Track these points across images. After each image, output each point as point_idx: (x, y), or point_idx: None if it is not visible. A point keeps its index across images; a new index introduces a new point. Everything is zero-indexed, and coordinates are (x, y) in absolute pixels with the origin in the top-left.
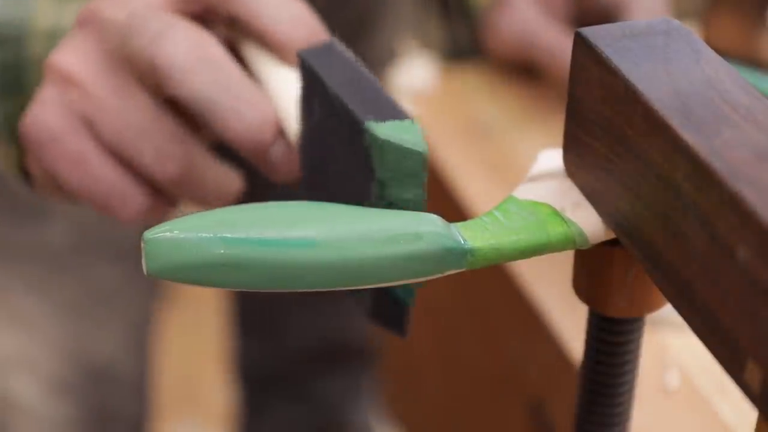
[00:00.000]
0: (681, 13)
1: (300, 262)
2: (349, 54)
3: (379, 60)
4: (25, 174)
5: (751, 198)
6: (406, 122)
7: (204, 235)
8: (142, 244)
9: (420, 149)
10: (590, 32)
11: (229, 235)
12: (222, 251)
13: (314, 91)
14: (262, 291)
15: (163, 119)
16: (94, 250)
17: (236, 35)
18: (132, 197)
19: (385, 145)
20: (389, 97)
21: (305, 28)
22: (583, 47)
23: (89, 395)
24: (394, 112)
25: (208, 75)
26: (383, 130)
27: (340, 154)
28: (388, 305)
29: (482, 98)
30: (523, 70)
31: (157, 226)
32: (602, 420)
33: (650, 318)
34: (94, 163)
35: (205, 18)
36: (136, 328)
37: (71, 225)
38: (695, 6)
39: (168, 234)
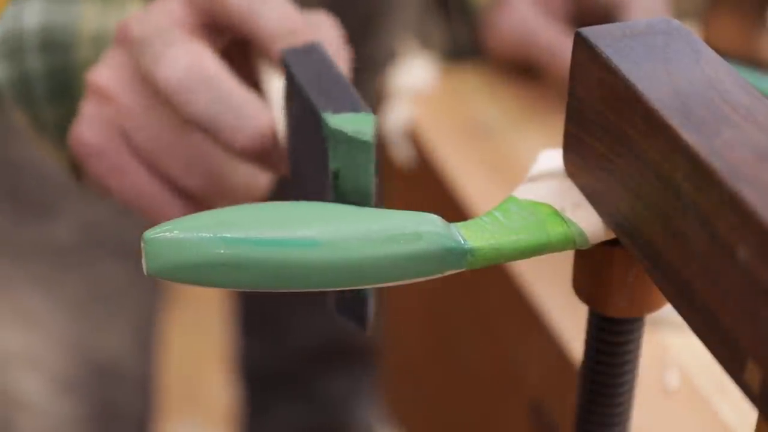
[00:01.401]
0: (681, 13)
1: (300, 262)
2: (327, 54)
3: (380, 60)
4: (77, 173)
5: (751, 198)
6: (361, 114)
7: (204, 235)
8: (142, 244)
9: (367, 139)
10: (590, 32)
11: (229, 235)
12: (222, 251)
13: (292, 89)
14: (262, 291)
15: (185, 134)
16: (99, 248)
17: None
18: (170, 205)
19: (336, 135)
20: (353, 93)
21: (291, 27)
22: (583, 47)
23: (94, 393)
24: (352, 105)
25: (206, 94)
26: (337, 120)
27: (310, 149)
28: (351, 298)
29: (482, 98)
30: (523, 70)
31: (157, 226)
32: (602, 420)
33: (650, 318)
34: (135, 176)
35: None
36: (141, 326)
37: (77, 223)
38: (695, 6)
39: (168, 234)
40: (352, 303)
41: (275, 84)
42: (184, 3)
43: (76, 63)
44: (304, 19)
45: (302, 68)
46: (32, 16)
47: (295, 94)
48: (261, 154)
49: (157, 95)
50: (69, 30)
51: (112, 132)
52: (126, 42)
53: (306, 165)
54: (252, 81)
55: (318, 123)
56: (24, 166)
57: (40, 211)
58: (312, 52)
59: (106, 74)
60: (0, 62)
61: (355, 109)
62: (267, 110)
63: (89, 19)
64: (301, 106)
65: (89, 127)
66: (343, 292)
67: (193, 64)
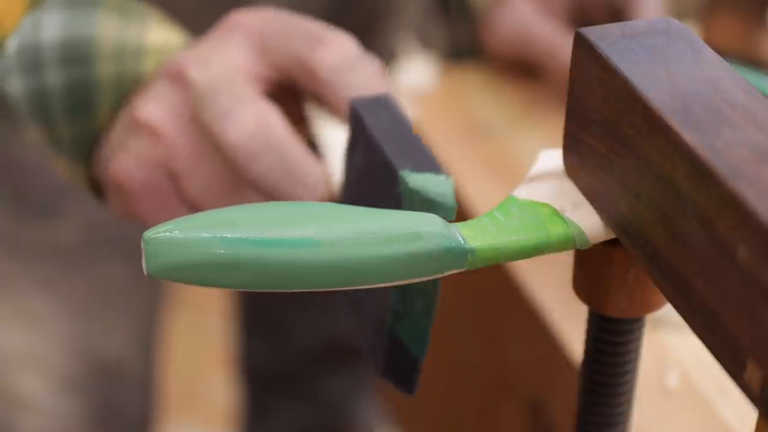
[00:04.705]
0: (681, 13)
1: (300, 262)
2: (399, 107)
3: (380, 60)
4: (94, 188)
5: (751, 198)
6: (441, 177)
7: (204, 235)
8: (143, 244)
9: (449, 204)
10: (590, 32)
11: (229, 235)
12: (222, 251)
13: (359, 138)
14: (263, 291)
15: (238, 186)
16: (103, 249)
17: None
18: None
19: (415, 195)
20: (429, 151)
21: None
22: (583, 47)
23: (95, 393)
24: (431, 165)
25: (270, 160)
26: (416, 180)
27: (376, 201)
28: (400, 360)
29: (482, 98)
30: (523, 70)
31: (157, 226)
32: (602, 420)
33: (650, 318)
34: (179, 216)
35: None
36: (144, 326)
37: (81, 224)
38: (695, 6)
39: (168, 234)
40: (401, 366)
41: (332, 133)
42: (252, 51)
43: (96, 77)
44: (389, 85)
45: (374, 119)
46: (51, 29)
47: (362, 146)
48: None
49: (216, 147)
50: (89, 43)
51: (160, 172)
52: (181, 83)
53: None
54: (298, 120)
55: (390, 177)
56: (27, 166)
57: (42, 211)
58: (382, 104)
59: (158, 113)
60: (16, 76)
61: (434, 170)
62: (326, 175)
63: (108, 32)
64: (368, 158)
65: (135, 163)
66: (393, 355)
67: (260, 129)
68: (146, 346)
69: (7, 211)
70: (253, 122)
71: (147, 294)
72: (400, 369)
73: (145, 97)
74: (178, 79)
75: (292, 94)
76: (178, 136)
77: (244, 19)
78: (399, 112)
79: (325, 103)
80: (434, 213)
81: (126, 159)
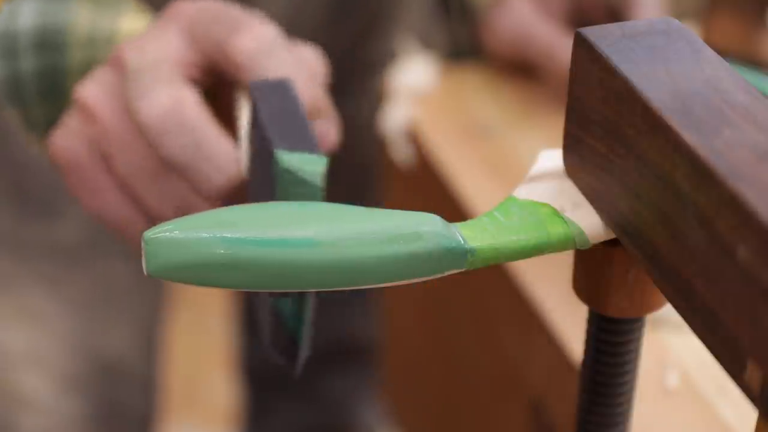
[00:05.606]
0: (681, 13)
1: (300, 262)
2: (294, 91)
3: (381, 60)
4: None
5: (751, 198)
6: (315, 156)
7: (204, 235)
8: (143, 244)
9: (316, 182)
10: (590, 32)
11: (229, 235)
12: (222, 251)
13: (254, 121)
14: (263, 291)
15: (162, 167)
16: (105, 247)
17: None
18: (140, 227)
19: (286, 174)
20: (310, 133)
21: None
22: (583, 47)
23: (98, 391)
24: (307, 145)
25: (181, 139)
26: (289, 159)
27: (264, 181)
28: (282, 336)
29: (482, 98)
30: (522, 70)
31: (157, 226)
32: (602, 420)
33: (650, 318)
34: (108, 195)
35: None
36: (146, 325)
37: (83, 222)
38: (695, 6)
39: (168, 234)
40: (283, 342)
41: (244, 115)
42: (184, 38)
43: (69, 64)
44: (308, 71)
45: (266, 102)
46: (27, 17)
47: (256, 127)
48: (226, 198)
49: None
50: (62, 31)
51: (92, 150)
52: (119, 66)
53: (259, 195)
54: (229, 107)
55: (269, 157)
56: (28, 165)
57: (44, 210)
58: (279, 88)
59: (94, 93)
60: None
61: (310, 149)
62: (238, 158)
63: (82, 20)
64: (259, 140)
65: (70, 139)
66: (278, 331)
67: (173, 108)
68: (148, 346)
69: (9, 210)
70: (167, 102)
71: (149, 293)
72: (283, 344)
73: (87, 79)
74: (116, 62)
75: (226, 81)
76: (111, 117)
77: (182, 7)
78: (293, 96)
79: (243, 87)
80: (303, 192)
81: (61, 135)
